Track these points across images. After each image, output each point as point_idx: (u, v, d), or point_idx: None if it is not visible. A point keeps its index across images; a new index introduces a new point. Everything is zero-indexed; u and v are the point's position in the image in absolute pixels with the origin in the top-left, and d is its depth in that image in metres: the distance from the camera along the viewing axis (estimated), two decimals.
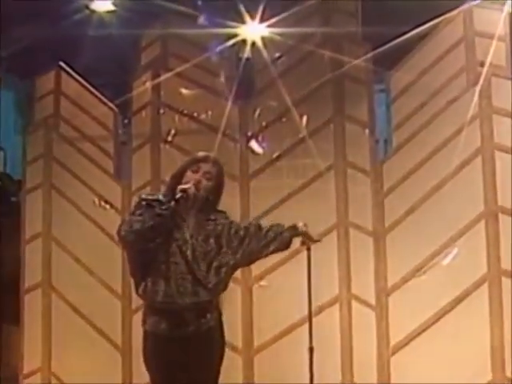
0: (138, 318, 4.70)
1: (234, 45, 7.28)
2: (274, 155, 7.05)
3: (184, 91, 7.36)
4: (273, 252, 4.47)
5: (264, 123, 7.13)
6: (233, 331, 6.12)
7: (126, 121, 7.69)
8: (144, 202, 4.28)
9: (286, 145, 7.04)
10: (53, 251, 7.30)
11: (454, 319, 6.30)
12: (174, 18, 7.45)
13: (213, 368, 4.36)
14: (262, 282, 6.84)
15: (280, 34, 7.05)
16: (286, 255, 4.73)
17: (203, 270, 4.28)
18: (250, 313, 6.84)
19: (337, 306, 6.65)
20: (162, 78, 7.28)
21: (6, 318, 7.60)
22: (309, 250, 5.14)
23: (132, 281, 4.38)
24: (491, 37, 6.56)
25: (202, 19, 7.39)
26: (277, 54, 7.19)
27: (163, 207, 4.20)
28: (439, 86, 6.71)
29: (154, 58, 7.61)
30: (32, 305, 7.27)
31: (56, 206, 7.37)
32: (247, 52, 7.27)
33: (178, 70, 7.28)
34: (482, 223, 6.29)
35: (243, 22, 7.17)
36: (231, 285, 4.49)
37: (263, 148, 7.12)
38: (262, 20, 7.11)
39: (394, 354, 6.51)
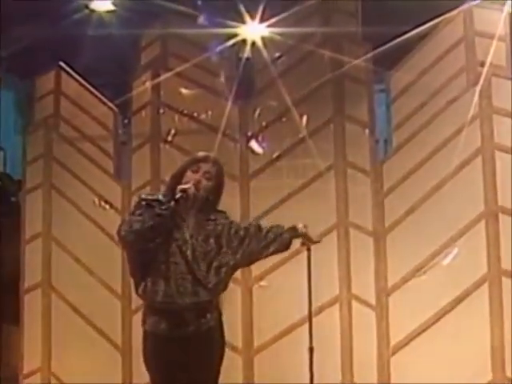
0: (137, 318, 4.70)
1: (233, 45, 7.28)
2: (274, 155, 7.05)
3: (184, 91, 7.35)
4: (273, 253, 4.47)
5: (264, 123, 7.13)
6: (233, 331, 6.11)
7: (125, 121, 7.69)
8: (144, 202, 4.28)
9: (285, 145, 7.04)
10: (53, 251, 7.30)
11: (454, 319, 6.30)
12: (173, 17, 7.45)
13: (213, 368, 4.35)
14: (262, 282, 6.84)
15: (280, 34, 7.04)
16: (286, 255, 4.72)
17: (203, 270, 4.28)
18: (250, 313, 6.83)
19: (337, 306, 6.64)
20: (162, 77, 7.28)
21: (5, 318, 7.60)
22: (309, 250, 5.14)
23: (132, 281, 4.38)
24: (491, 37, 6.56)
25: (201, 19, 7.38)
26: (277, 54, 7.18)
27: (163, 207, 4.20)
28: (439, 85, 6.71)
29: (154, 57, 7.61)
30: (32, 305, 7.27)
31: (56, 206, 7.37)
32: (247, 52, 7.27)
33: (178, 69, 7.27)
34: (483, 223, 6.29)
35: (243, 21, 7.16)
36: (231, 285, 4.49)
37: (263, 148, 7.11)
38: (262, 20, 7.10)
39: (394, 354, 6.51)
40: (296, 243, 4.61)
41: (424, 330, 6.38)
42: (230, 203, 4.72)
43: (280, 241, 4.44)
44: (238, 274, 4.88)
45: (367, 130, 6.93)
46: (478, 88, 6.42)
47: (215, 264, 4.31)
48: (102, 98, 7.63)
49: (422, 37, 6.90)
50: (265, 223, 4.55)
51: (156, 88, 7.30)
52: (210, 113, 7.24)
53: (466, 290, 6.26)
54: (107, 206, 7.29)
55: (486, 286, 6.22)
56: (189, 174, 4.36)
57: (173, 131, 7.26)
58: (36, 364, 7.19)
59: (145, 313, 4.36)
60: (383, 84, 7.24)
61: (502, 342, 6.12)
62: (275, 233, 4.45)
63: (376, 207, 6.77)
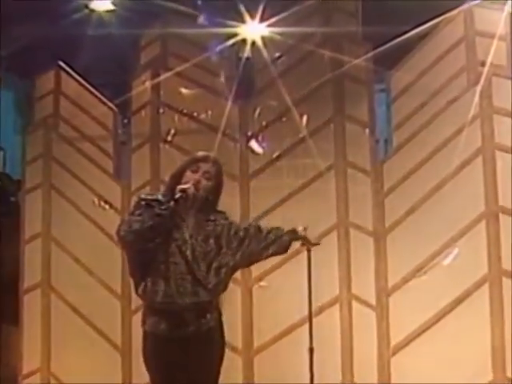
0: (137, 319, 4.69)
1: (233, 44, 7.27)
2: (274, 155, 7.05)
3: (184, 91, 7.35)
4: (272, 255, 4.48)
5: (264, 123, 7.13)
6: (233, 332, 6.10)
7: (125, 120, 7.69)
8: (143, 202, 4.27)
9: (286, 145, 7.04)
10: (52, 251, 7.30)
11: (454, 319, 6.29)
12: (173, 17, 7.44)
13: (213, 368, 4.34)
14: (262, 283, 6.83)
15: (280, 34, 7.04)
16: (286, 256, 4.70)
17: (203, 271, 4.27)
18: (249, 313, 6.83)
19: (337, 306, 6.64)
20: (162, 77, 7.27)
21: (5, 318, 7.58)
22: (309, 250, 5.14)
23: (131, 281, 4.37)
24: (492, 36, 6.55)
25: (201, 19, 7.37)
26: (277, 54, 7.18)
27: (162, 207, 4.19)
28: (440, 85, 6.70)
29: (154, 57, 7.60)
30: (31, 305, 7.26)
31: (55, 206, 7.37)
32: (247, 51, 7.26)
33: (178, 69, 7.27)
34: (483, 223, 6.29)
35: (243, 21, 7.15)
36: (231, 285, 4.48)
37: (263, 148, 7.11)
38: (262, 19, 7.10)
39: (394, 354, 6.50)
40: (296, 244, 4.61)
41: (424, 331, 6.37)
42: (229, 203, 4.72)
43: (279, 243, 4.44)
44: (237, 274, 4.88)
45: (367, 130, 6.93)
46: (478, 88, 6.41)
47: (215, 264, 4.30)
48: (102, 97, 7.62)
49: (423, 36, 6.89)
50: (264, 225, 4.54)
51: (156, 88, 7.29)
52: (209, 112, 7.24)
53: (466, 290, 6.25)
54: (107, 206, 7.29)
55: (486, 286, 6.21)
56: (188, 173, 4.35)
57: (172, 131, 7.25)
58: (35, 364, 7.18)
59: (144, 313, 4.35)
60: (383, 84, 7.24)
61: (503, 342, 6.12)
62: (275, 235, 4.45)
63: (376, 207, 6.76)
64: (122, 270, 6.89)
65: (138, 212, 4.22)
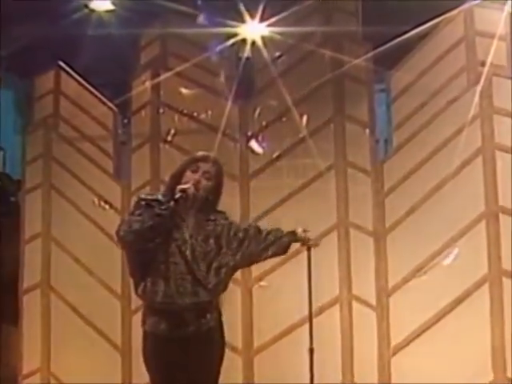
0: (137, 319, 4.70)
1: (233, 44, 7.27)
2: (274, 155, 7.04)
3: (184, 91, 7.34)
4: (271, 256, 4.50)
5: (264, 123, 7.12)
6: (233, 332, 6.09)
7: (125, 120, 7.68)
8: (143, 202, 4.27)
9: (286, 144, 7.03)
10: (52, 251, 7.29)
11: (454, 319, 6.29)
12: (173, 17, 7.44)
13: (213, 368, 4.35)
14: (262, 283, 6.83)
15: (280, 34, 7.03)
16: (286, 255, 4.71)
17: (203, 271, 4.27)
18: (249, 313, 6.82)
19: (337, 306, 6.63)
20: (162, 77, 7.27)
21: (5, 318, 7.58)
22: (309, 250, 5.13)
23: (131, 281, 4.37)
24: (492, 36, 6.55)
25: (201, 18, 7.37)
26: (277, 54, 7.17)
27: (162, 207, 4.19)
28: (440, 85, 6.70)
29: (154, 57, 7.59)
30: (31, 305, 7.25)
31: (55, 206, 7.36)
32: (247, 51, 7.25)
33: (178, 69, 7.26)
34: (483, 223, 6.28)
35: (243, 21, 7.15)
36: (231, 285, 4.48)
37: (263, 148, 7.10)
38: (262, 19, 7.09)
39: (394, 354, 6.50)
40: (296, 244, 4.61)
41: (424, 331, 6.37)
42: (229, 203, 4.72)
43: (279, 244, 4.46)
44: (237, 274, 4.87)
45: (367, 130, 6.92)
46: (478, 88, 6.41)
47: (215, 265, 4.30)
48: (102, 97, 7.62)
49: (423, 36, 6.88)
50: (264, 225, 4.54)
51: (156, 88, 7.29)
52: (209, 112, 7.23)
53: (466, 290, 6.25)
54: (107, 206, 7.28)
55: (486, 286, 6.21)
56: (188, 173, 4.35)
57: (172, 131, 7.25)
58: (35, 364, 7.18)
59: (144, 313, 4.35)
60: (383, 84, 7.23)
61: (503, 342, 6.11)
62: (274, 236, 4.46)
63: (376, 207, 6.75)
64: (121, 270, 6.88)
65: (137, 212, 4.23)
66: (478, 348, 6.17)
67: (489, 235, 6.25)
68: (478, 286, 6.23)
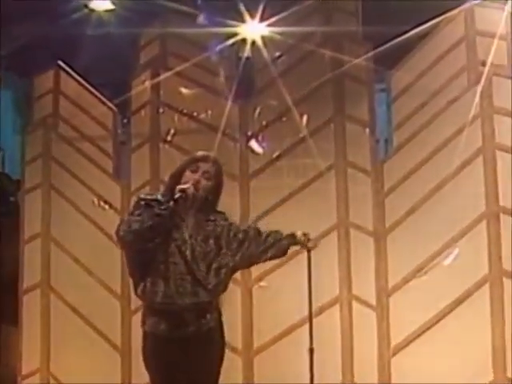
0: (137, 319, 4.68)
1: (233, 44, 7.26)
2: (274, 155, 7.04)
3: (183, 90, 7.34)
4: (271, 258, 4.51)
5: (264, 123, 7.12)
6: (233, 332, 6.09)
7: (125, 120, 7.68)
8: (143, 202, 4.26)
9: (286, 144, 7.03)
10: (52, 251, 7.29)
11: (455, 320, 6.28)
12: (173, 16, 7.43)
13: (213, 369, 4.34)
14: (262, 283, 6.82)
15: (280, 33, 7.02)
16: (286, 256, 4.70)
17: (203, 271, 4.26)
18: (249, 314, 6.82)
19: (337, 306, 6.63)
20: (162, 77, 7.26)
21: (4, 318, 7.58)
22: (309, 251, 5.12)
23: (131, 281, 4.36)
24: (492, 36, 6.54)
25: (201, 18, 7.36)
26: (277, 54, 7.17)
27: (162, 207, 4.18)
28: (440, 85, 6.70)
29: (154, 57, 7.59)
30: (31, 305, 7.25)
31: (55, 206, 7.36)
32: (247, 51, 7.25)
33: (178, 69, 7.26)
34: (484, 223, 6.27)
35: (243, 21, 7.14)
36: (231, 286, 4.48)
37: (263, 148, 7.10)
38: (262, 19, 7.08)
39: (394, 354, 6.49)
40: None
41: (425, 331, 6.37)
42: (229, 203, 4.72)
43: (278, 246, 4.47)
44: (237, 274, 4.87)
45: (368, 130, 6.92)
46: (478, 87, 6.40)
47: (215, 265, 4.29)
48: (101, 97, 7.61)
49: (423, 36, 6.88)
50: (263, 226, 4.54)
51: (155, 87, 7.28)
52: (209, 112, 7.23)
53: (467, 290, 6.24)
54: (106, 206, 7.28)
55: (487, 286, 6.20)
56: (188, 173, 4.34)
57: (172, 131, 7.24)
58: (35, 364, 7.17)
59: (144, 313, 4.35)
60: (384, 83, 7.23)
61: (503, 342, 6.11)
62: (274, 238, 4.47)
63: (376, 207, 6.75)
64: (121, 270, 6.87)
65: (137, 212, 4.22)
66: (478, 348, 6.17)
67: (489, 235, 6.24)
68: (478, 286, 6.22)
